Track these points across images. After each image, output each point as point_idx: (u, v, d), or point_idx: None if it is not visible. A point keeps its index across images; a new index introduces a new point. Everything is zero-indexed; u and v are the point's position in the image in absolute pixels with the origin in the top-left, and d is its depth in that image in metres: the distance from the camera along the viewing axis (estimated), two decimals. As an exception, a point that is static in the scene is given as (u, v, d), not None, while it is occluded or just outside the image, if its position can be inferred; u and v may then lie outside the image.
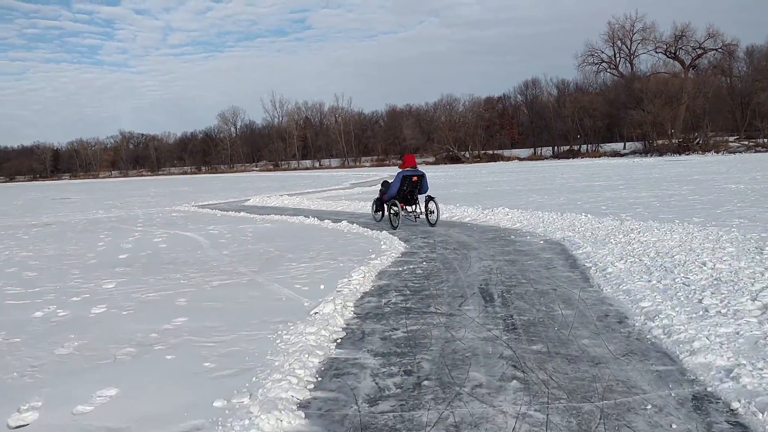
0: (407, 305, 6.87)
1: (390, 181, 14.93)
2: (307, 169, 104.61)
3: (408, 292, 7.54)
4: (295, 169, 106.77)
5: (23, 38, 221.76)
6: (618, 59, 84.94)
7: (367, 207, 18.51)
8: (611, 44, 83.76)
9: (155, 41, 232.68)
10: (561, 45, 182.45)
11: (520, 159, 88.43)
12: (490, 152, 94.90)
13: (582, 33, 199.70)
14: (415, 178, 14.17)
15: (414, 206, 14.60)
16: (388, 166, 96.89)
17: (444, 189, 28.15)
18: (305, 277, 8.61)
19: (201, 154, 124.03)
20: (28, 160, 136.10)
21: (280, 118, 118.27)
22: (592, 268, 8.28)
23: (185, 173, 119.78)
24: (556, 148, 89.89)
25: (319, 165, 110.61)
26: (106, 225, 18.42)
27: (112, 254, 11.79)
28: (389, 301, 7.11)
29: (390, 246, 11.05)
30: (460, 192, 25.03)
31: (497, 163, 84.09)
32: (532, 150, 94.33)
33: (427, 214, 14.20)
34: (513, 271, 8.49)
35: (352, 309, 6.71)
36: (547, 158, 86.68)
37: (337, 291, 7.39)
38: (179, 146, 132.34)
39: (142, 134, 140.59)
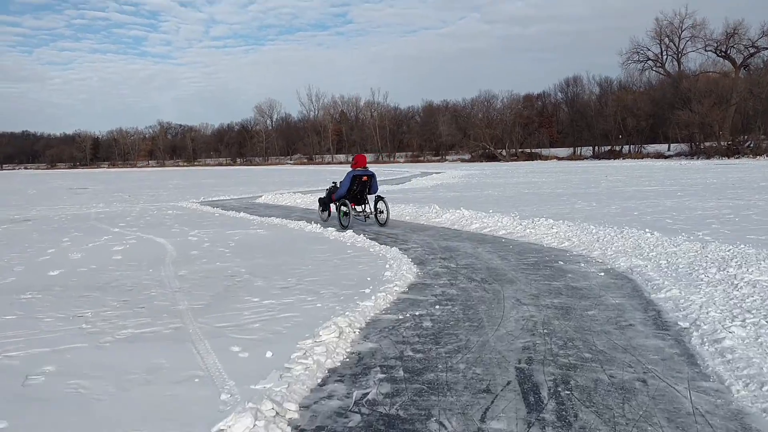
0: (391, 411, 3.93)
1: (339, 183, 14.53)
2: (340, 163, 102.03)
3: (401, 373, 4.59)
4: (329, 163, 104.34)
5: (71, 29, 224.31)
6: (665, 57, 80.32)
7: (390, 211, 15.68)
8: (658, 41, 79.18)
9: (198, 33, 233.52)
10: (604, 42, 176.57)
11: (558, 158, 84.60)
12: (528, 151, 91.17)
13: (626, 30, 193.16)
14: (365, 178, 14.05)
15: (364, 206, 14.52)
16: (423, 162, 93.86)
17: (477, 190, 25.06)
18: (258, 327, 5.72)
19: (237, 146, 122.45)
20: (69, 147, 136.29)
21: (316, 112, 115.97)
22: (694, 333, 5.24)
23: (220, 164, 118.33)
24: (596, 148, 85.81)
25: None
26: (85, 224, 15.81)
27: (42, 270, 9.06)
28: (364, 397, 4.16)
29: (397, 272, 8.11)
30: (494, 195, 21.94)
31: (535, 162, 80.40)
32: (571, 149, 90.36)
33: (376, 214, 14.09)
34: (569, 332, 5.48)
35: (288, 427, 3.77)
36: (587, 158, 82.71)
37: (286, 370, 4.48)
38: (216, 138, 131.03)
39: (180, 125, 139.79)
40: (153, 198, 26.58)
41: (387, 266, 8.56)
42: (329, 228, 12.87)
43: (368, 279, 7.78)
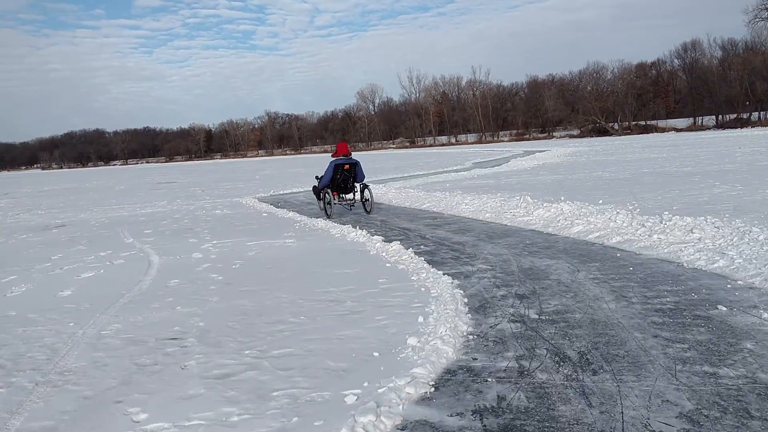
0: None
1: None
2: (442, 145, 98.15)
3: None
4: (430, 145, 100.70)
5: (186, 27, 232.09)
6: (799, 11, 70.52)
7: (468, 204, 12.23)
8: (791, -6, 69.51)
9: (303, 24, 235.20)
10: (726, 2, 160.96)
11: (677, 130, 76.89)
12: (642, 123, 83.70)
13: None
14: (347, 167, 13.55)
15: (351, 195, 13.97)
16: (528, 140, 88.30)
17: (585, 171, 20.81)
18: None
19: (341, 132, 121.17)
20: (185, 141, 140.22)
21: (417, 94, 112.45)
22: None
23: (326, 152, 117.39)
24: (720, 116, 77.26)
25: (456, 141, 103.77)
26: (111, 231, 13.26)
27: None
28: None
29: (429, 336, 4.60)
30: (605, 178, 17.72)
31: (651, 135, 73.23)
32: (690, 120, 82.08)
33: (363, 202, 13.58)
34: None
35: None
36: (709, 128, 74.58)
37: None
38: (321, 125, 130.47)
39: (287, 114, 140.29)
40: (226, 192, 24.16)
41: (420, 320, 5.06)
42: (376, 236, 9.48)
43: (375, 355, 4.34)
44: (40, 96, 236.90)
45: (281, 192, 22.18)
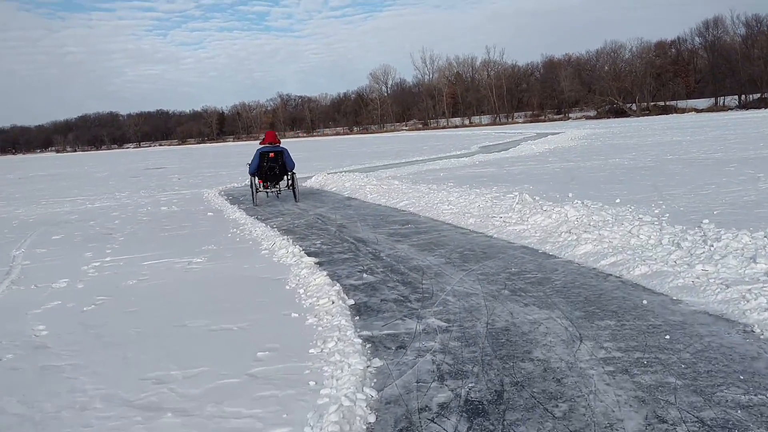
0: None
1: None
2: (455, 127, 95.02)
3: None
4: (443, 127, 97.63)
5: (200, 9, 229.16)
6: (830, -15, 66.39)
7: (453, 203, 9.74)
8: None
9: (317, 4, 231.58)
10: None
11: (697, 111, 73.25)
12: (662, 104, 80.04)
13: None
14: (272, 154, 13.13)
15: (277, 182, 13.54)
16: (544, 122, 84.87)
17: (601, 157, 18.06)
18: None
19: (353, 114, 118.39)
20: (198, 124, 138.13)
21: (431, 75, 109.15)
22: None
23: (338, 134, 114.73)
24: (743, 96, 73.40)
25: (469, 122, 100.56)
26: (13, 236, 10.81)
27: None
28: None
29: None
30: (623, 166, 14.97)
31: (670, 116, 69.71)
32: (711, 100, 78.26)
33: (291, 190, 13.43)
34: None
35: None
36: (731, 109, 70.88)
37: None
38: (333, 107, 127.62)
39: (300, 96, 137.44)
40: (202, 181, 21.71)
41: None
42: (312, 256, 6.91)
43: None
44: (56, 79, 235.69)
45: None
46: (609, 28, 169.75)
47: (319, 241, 8.20)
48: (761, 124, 32.12)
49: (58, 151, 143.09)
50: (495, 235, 7.71)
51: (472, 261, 6.42)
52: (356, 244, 7.89)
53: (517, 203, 8.79)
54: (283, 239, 8.02)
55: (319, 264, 6.60)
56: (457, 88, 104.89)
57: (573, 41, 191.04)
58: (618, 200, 8.94)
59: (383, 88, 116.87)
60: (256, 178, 13.20)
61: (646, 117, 71.38)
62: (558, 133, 41.90)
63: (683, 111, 74.77)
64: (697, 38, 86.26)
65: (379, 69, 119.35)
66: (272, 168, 13.19)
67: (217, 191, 16.67)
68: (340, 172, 18.93)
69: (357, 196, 13.17)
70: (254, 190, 13.28)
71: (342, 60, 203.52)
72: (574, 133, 38.62)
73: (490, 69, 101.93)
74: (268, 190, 13.48)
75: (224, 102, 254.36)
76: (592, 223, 7.15)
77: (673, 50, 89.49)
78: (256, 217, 10.95)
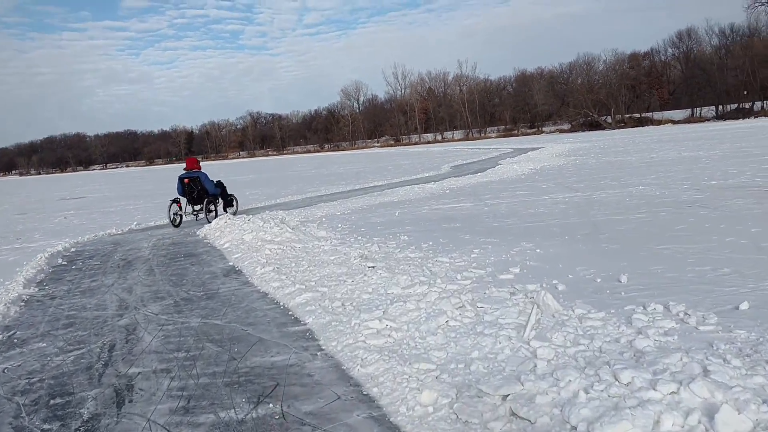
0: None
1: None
2: (428, 143, 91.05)
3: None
4: (415, 143, 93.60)
5: (173, 28, 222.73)
6: (805, -8, 63.79)
7: (374, 316, 5.24)
8: (796, -26, 62.74)
9: (291, 22, 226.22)
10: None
11: (673, 122, 70.08)
12: (637, 116, 76.70)
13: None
14: (186, 180, 13.64)
15: (199, 206, 13.77)
16: (517, 136, 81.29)
17: (609, 179, 13.73)
18: None
19: (324, 131, 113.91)
20: (165, 144, 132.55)
21: (402, 91, 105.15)
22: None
23: (308, 152, 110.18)
24: (720, 107, 70.42)
25: (442, 138, 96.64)
26: None
27: None
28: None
29: None
30: (654, 195, 10.70)
31: (646, 128, 66.33)
32: (687, 111, 75.07)
33: (206, 215, 13.40)
34: None
35: None
36: (708, 120, 67.74)
37: None
38: (304, 125, 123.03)
39: (270, 114, 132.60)
40: (99, 218, 17.08)
41: None
42: None
43: None
44: (25, 101, 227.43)
45: (152, 223, 14.84)
46: (582, 41, 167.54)
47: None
48: (739, 137, 28.33)
49: (21, 174, 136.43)
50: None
51: None
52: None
53: (530, 332, 4.25)
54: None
55: None
56: (429, 103, 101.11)
57: (545, 54, 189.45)
58: (659, 268, 4.64)
59: (355, 104, 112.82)
60: (174, 204, 13.67)
61: (621, 129, 68.04)
62: (537, 148, 37.90)
63: (659, 123, 71.61)
64: (670, 49, 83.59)
65: (351, 85, 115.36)
66: (190, 192, 13.72)
67: (68, 245, 11.77)
68: (259, 208, 15.25)
69: (245, 266, 8.12)
70: (170, 214, 13.60)
71: (317, 77, 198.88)
72: (555, 149, 34.62)
73: (462, 83, 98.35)
74: (191, 213, 13.98)
75: (197, 121, 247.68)
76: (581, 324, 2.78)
77: (647, 62, 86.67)
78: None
